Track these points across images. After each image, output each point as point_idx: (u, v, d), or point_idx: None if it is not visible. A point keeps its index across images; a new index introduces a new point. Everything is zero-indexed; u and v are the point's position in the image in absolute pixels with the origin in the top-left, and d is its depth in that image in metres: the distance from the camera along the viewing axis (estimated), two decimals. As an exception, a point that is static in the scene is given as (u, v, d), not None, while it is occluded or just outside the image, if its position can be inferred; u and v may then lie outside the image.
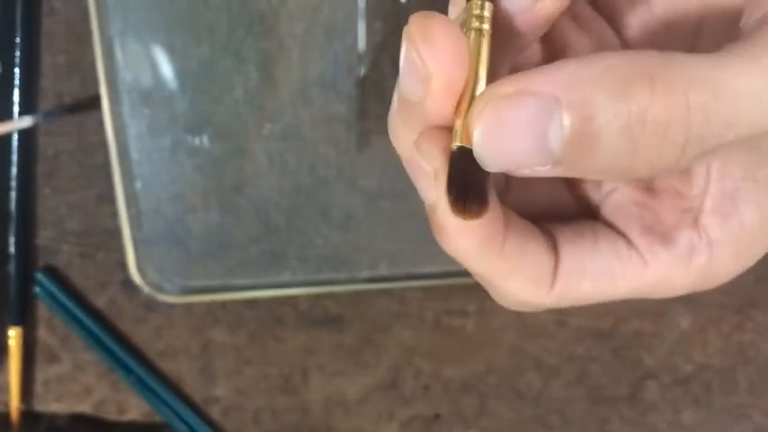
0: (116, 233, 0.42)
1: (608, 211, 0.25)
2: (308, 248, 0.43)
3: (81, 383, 0.46)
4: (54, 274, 0.44)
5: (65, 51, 0.42)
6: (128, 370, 0.45)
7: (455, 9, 0.23)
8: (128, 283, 0.43)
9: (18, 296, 0.44)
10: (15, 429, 0.45)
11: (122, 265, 0.43)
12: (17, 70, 0.42)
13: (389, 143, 0.24)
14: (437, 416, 0.47)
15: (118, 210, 0.41)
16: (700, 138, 0.19)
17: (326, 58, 0.40)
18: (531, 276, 0.23)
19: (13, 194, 0.43)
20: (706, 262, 0.23)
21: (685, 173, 0.24)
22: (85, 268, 0.44)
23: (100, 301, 0.45)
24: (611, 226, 0.24)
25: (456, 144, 0.20)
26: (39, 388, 0.46)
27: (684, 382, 0.47)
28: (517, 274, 0.23)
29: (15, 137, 0.42)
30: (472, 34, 0.21)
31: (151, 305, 0.44)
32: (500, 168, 0.20)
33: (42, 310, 0.45)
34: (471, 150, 0.20)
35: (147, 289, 0.43)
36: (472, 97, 0.20)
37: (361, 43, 0.40)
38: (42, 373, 0.45)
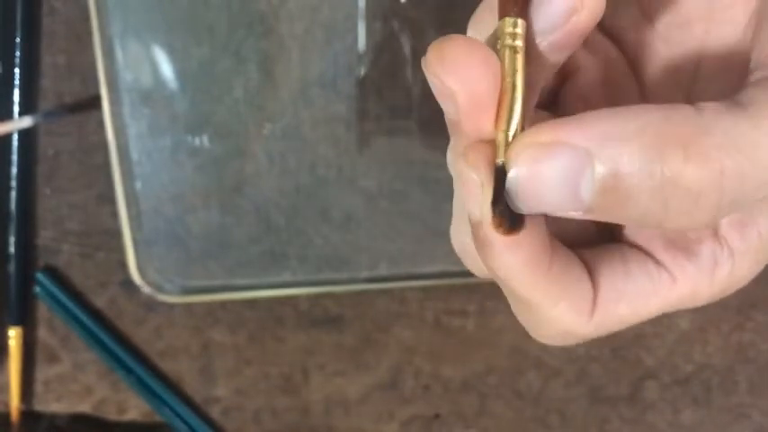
0: (116, 233, 0.42)
1: (629, 230, 0.25)
2: (308, 248, 0.43)
3: (81, 383, 0.46)
4: (54, 274, 0.44)
5: (65, 51, 0.42)
6: (128, 370, 0.45)
7: (476, 33, 0.23)
8: (128, 283, 0.43)
9: (18, 296, 0.44)
10: (15, 429, 0.45)
11: (122, 265, 0.43)
12: (17, 70, 0.42)
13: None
14: (437, 416, 0.47)
15: (118, 210, 0.41)
16: (732, 201, 0.19)
17: (326, 58, 0.40)
18: (575, 302, 0.23)
19: (14, 194, 0.43)
20: (729, 272, 0.23)
21: None
22: (85, 268, 0.44)
23: (100, 301, 0.45)
24: (634, 245, 0.24)
25: (500, 159, 0.21)
26: (39, 388, 0.46)
27: (684, 381, 0.47)
28: (563, 299, 0.23)
29: (15, 137, 0.42)
30: (506, 51, 0.21)
31: (151, 305, 0.44)
32: (533, 212, 0.20)
33: (42, 310, 0.45)
34: None
35: (147, 289, 0.43)
36: (511, 112, 0.21)
37: (361, 43, 0.40)
38: (42, 373, 0.45)
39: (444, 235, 0.26)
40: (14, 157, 0.42)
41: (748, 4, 0.24)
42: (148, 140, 0.41)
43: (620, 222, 0.23)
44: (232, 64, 0.40)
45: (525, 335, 0.25)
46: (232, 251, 0.43)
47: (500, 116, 0.21)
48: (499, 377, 0.46)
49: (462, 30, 0.23)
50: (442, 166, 0.24)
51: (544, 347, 0.46)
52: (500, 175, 0.21)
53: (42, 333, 0.45)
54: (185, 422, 0.45)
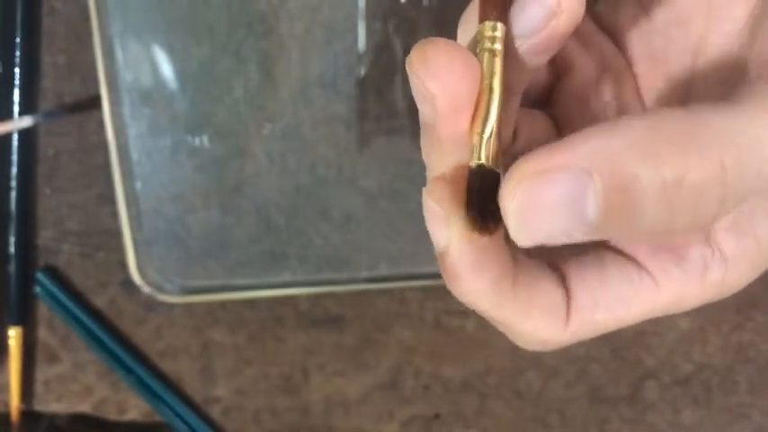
0: (116, 233, 0.42)
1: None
2: (308, 248, 0.43)
3: (81, 383, 0.46)
4: (54, 274, 0.44)
5: (65, 51, 0.42)
6: (128, 370, 0.45)
7: (464, 34, 0.23)
8: (128, 283, 0.43)
9: (18, 296, 0.44)
10: (15, 429, 0.45)
11: (122, 265, 0.43)
12: (17, 70, 0.42)
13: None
14: (437, 416, 0.47)
15: (118, 210, 0.41)
16: (735, 192, 0.19)
17: (326, 58, 0.40)
18: (546, 314, 0.23)
19: (14, 194, 0.43)
20: (721, 277, 0.23)
21: None
22: (85, 268, 0.44)
23: (100, 301, 0.45)
24: (617, 250, 0.24)
25: (474, 162, 0.21)
26: (39, 388, 0.46)
27: (684, 381, 0.47)
28: (532, 313, 0.23)
29: (15, 137, 0.42)
30: (485, 55, 0.21)
31: (151, 305, 0.44)
32: (538, 242, 0.19)
33: (42, 310, 0.45)
34: (488, 169, 0.20)
35: (147, 289, 0.43)
36: (487, 114, 0.21)
37: (361, 43, 0.40)
38: (42, 372, 0.45)
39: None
40: (14, 157, 0.42)
41: (748, 1, 0.24)
42: (148, 140, 0.41)
43: (627, 237, 0.23)
44: (232, 64, 0.40)
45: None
46: (232, 251, 0.43)
47: (476, 118, 0.21)
48: (499, 377, 0.46)
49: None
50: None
51: (544, 347, 0.46)
52: (474, 177, 0.21)
53: (42, 333, 0.45)
54: (185, 422, 0.45)
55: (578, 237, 0.19)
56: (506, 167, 0.21)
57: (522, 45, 0.21)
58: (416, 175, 0.41)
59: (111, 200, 0.42)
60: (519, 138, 0.25)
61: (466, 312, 0.45)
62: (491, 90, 0.21)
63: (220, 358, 0.45)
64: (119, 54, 0.40)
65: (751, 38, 0.23)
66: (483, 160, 0.21)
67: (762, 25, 0.23)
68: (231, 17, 0.40)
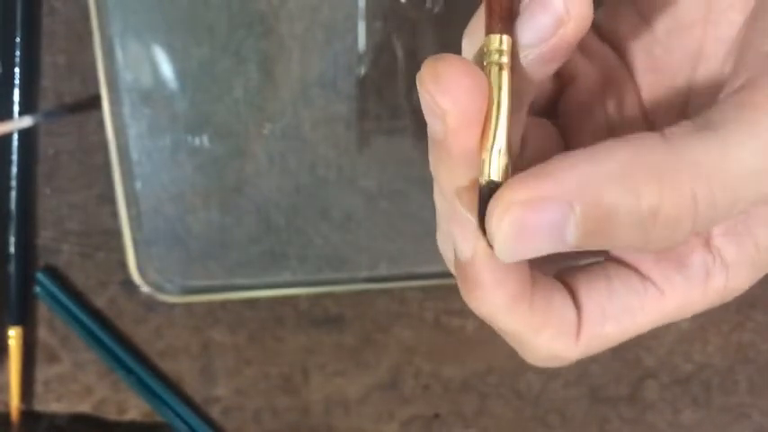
0: (116, 233, 0.42)
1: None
2: (308, 248, 0.43)
3: (81, 383, 0.46)
4: (54, 273, 0.44)
5: (65, 51, 0.42)
6: (128, 370, 0.45)
7: (470, 45, 0.23)
8: (128, 283, 0.43)
9: (18, 296, 0.44)
10: (15, 429, 0.45)
11: (122, 265, 0.43)
12: (17, 70, 0.42)
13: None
14: (437, 416, 0.47)
15: (118, 210, 0.41)
16: (707, 220, 0.20)
17: (326, 58, 0.40)
18: (558, 329, 0.23)
19: (14, 194, 0.43)
20: (723, 283, 0.23)
21: None
22: (86, 268, 0.44)
23: (100, 301, 0.45)
24: (619, 261, 0.24)
25: (484, 179, 0.21)
26: (39, 388, 0.46)
27: (684, 381, 0.47)
28: (546, 328, 0.23)
29: (15, 137, 0.42)
30: (493, 69, 0.21)
31: (151, 305, 0.44)
32: (516, 260, 0.21)
33: (42, 309, 0.45)
34: (499, 184, 0.21)
35: (147, 289, 0.43)
36: (496, 130, 0.21)
37: (361, 43, 0.40)
38: (42, 372, 0.45)
39: (444, 235, 0.26)
40: (14, 157, 0.42)
41: (746, 6, 0.24)
42: (148, 140, 0.41)
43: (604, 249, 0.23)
44: (232, 64, 0.40)
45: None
46: (232, 251, 0.43)
47: (486, 134, 0.21)
48: (499, 377, 0.46)
49: (461, 30, 0.23)
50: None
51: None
52: (484, 193, 0.21)
53: (42, 333, 0.45)
54: (185, 422, 0.45)
55: (555, 252, 0.20)
56: (515, 175, 0.21)
57: (530, 54, 0.21)
58: (416, 175, 0.41)
59: (111, 200, 0.42)
60: (527, 147, 0.25)
61: (466, 312, 0.45)
62: (499, 104, 0.21)
63: (220, 358, 0.45)
64: (119, 54, 0.40)
65: (737, 48, 0.23)
66: (493, 175, 0.21)
67: (747, 36, 0.23)
68: (231, 17, 0.40)
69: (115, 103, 0.40)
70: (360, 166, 0.42)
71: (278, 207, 0.42)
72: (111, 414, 0.46)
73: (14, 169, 0.43)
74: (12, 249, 0.43)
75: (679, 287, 0.23)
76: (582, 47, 0.26)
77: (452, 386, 0.46)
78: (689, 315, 0.24)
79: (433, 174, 0.23)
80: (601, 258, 0.25)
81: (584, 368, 0.46)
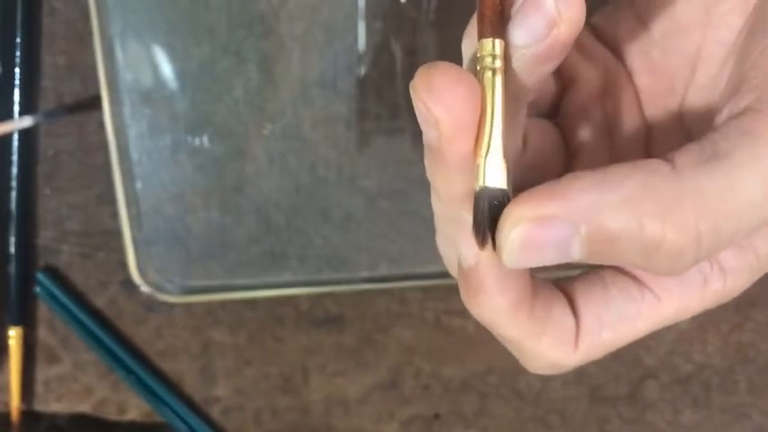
0: (116, 233, 0.42)
1: None
2: (308, 248, 0.43)
3: (81, 383, 0.46)
4: (54, 274, 0.44)
5: (65, 51, 0.42)
6: (128, 370, 0.45)
7: (468, 48, 0.23)
8: (128, 283, 0.43)
9: (18, 296, 0.44)
10: (15, 429, 0.45)
11: (122, 265, 0.43)
12: (17, 70, 0.42)
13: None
14: (437, 416, 0.47)
15: (118, 210, 0.41)
16: (711, 250, 0.21)
17: (326, 58, 0.40)
18: (558, 338, 0.24)
19: (14, 194, 0.43)
20: (721, 288, 0.24)
21: None
22: (86, 268, 0.44)
23: (100, 301, 0.45)
24: (617, 269, 0.25)
25: (479, 185, 0.21)
26: (39, 388, 0.46)
27: (684, 381, 0.47)
28: (546, 335, 0.23)
29: (16, 137, 0.42)
30: (486, 74, 0.21)
31: (151, 305, 0.44)
32: (521, 268, 0.21)
33: (42, 310, 0.45)
34: (494, 190, 0.21)
35: (147, 289, 0.43)
36: (490, 136, 0.21)
37: (361, 43, 0.40)
38: (42, 373, 0.45)
39: (444, 235, 0.26)
40: (14, 157, 0.42)
41: (746, 8, 0.24)
42: (148, 140, 0.41)
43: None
44: (232, 64, 0.40)
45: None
46: (232, 251, 0.43)
47: (480, 141, 0.21)
48: (499, 377, 0.46)
49: (461, 30, 0.23)
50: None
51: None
52: (479, 200, 0.21)
53: (42, 333, 0.45)
54: (185, 422, 0.45)
55: (558, 263, 0.21)
56: (516, 176, 0.21)
57: (524, 55, 0.21)
58: (416, 175, 0.41)
59: (111, 200, 0.42)
60: (527, 148, 0.25)
61: (466, 312, 0.45)
62: (493, 110, 0.21)
63: (220, 358, 0.45)
64: (119, 54, 0.40)
65: (743, 55, 0.23)
66: (488, 181, 0.21)
67: (748, 49, 0.23)
68: (231, 17, 0.40)
69: (115, 103, 0.40)
70: (360, 166, 0.42)
71: (278, 207, 0.42)
72: (111, 414, 0.46)
73: (14, 169, 0.43)
74: (12, 249, 0.43)
75: (676, 294, 0.24)
76: (582, 49, 0.27)
77: (452, 386, 0.46)
78: (686, 318, 0.25)
79: (429, 179, 0.23)
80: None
81: (583, 368, 0.46)
